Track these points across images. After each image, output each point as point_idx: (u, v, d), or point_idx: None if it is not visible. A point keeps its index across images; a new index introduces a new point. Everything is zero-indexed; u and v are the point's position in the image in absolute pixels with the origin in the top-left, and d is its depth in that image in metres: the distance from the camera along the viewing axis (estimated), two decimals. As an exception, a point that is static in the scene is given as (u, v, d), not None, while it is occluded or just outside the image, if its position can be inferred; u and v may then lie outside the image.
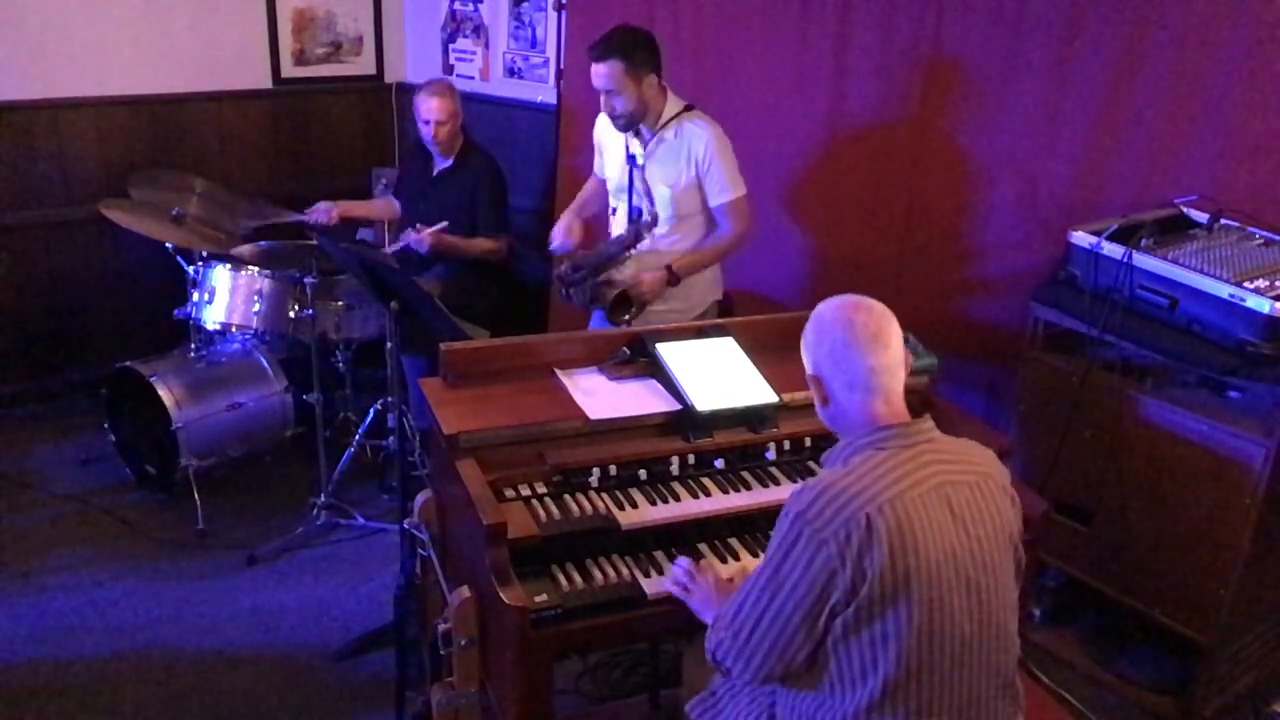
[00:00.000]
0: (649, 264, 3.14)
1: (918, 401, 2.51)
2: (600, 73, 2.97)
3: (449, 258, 3.85)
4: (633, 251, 3.11)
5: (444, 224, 3.73)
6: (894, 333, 1.75)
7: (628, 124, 3.06)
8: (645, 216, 3.09)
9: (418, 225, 3.75)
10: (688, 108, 3.12)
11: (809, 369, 1.81)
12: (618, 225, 3.28)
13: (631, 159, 3.13)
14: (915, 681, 1.62)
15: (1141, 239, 2.72)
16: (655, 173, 3.12)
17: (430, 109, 3.77)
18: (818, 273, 3.78)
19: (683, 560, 2.02)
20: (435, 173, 3.95)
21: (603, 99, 3.04)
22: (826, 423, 1.83)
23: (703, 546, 2.17)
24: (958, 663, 1.64)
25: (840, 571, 1.58)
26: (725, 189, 3.09)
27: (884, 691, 1.61)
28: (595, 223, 3.48)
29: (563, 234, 3.24)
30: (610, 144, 3.25)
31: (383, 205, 4.32)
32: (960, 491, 1.67)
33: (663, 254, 3.18)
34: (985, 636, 1.67)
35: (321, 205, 3.99)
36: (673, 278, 3.10)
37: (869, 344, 1.72)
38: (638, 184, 3.15)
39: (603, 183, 3.40)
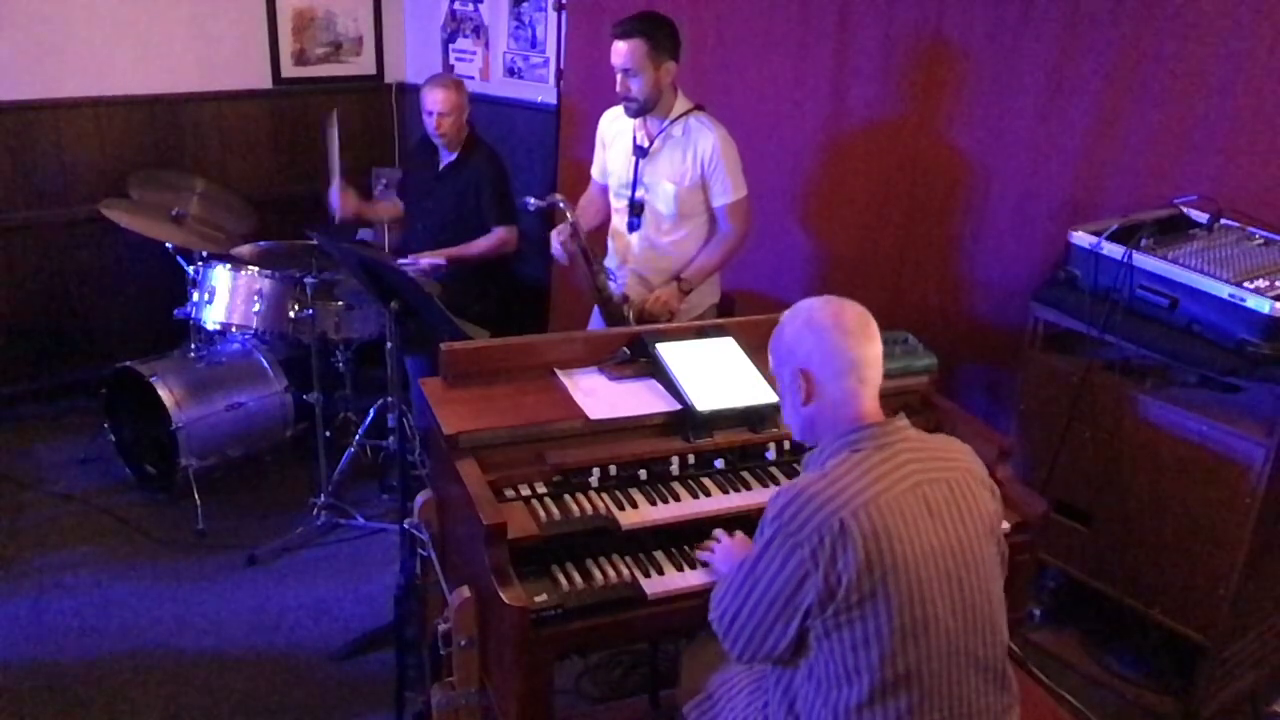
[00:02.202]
0: (653, 263, 3.19)
1: (918, 401, 2.51)
2: (621, 50, 2.97)
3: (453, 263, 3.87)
4: (625, 268, 3.19)
5: (443, 260, 3.76)
6: (875, 328, 1.78)
7: (640, 109, 3.06)
8: (559, 203, 3.07)
9: (414, 255, 3.77)
10: (697, 107, 3.12)
11: (794, 364, 1.78)
12: (618, 221, 3.28)
13: (638, 149, 3.13)
14: (905, 680, 1.63)
15: (1141, 239, 2.72)
16: (661, 169, 3.12)
17: (435, 100, 3.78)
18: (818, 273, 3.78)
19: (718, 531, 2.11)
20: (440, 167, 3.96)
21: (619, 79, 3.02)
22: (803, 425, 1.82)
23: (703, 546, 2.16)
24: (945, 658, 1.65)
25: (813, 574, 1.60)
26: (728, 190, 3.10)
27: (871, 693, 1.63)
28: (595, 234, 3.47)
29: (557, 243, 3.18)
30: (615, 139, 3.25)
31: (387, 208, 4.33)
32: (938, 489, 1.68)
33: (663, 255, 3.19)
34: (971, 630, 1.68)
35: (351, 200, 4.00)
36: (685, 285, 3.14)
37: (858, 335, 1.75)
38: (644, 176, 3.15)
39: (602, 190, 3.39)
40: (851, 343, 1.74)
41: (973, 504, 1.71)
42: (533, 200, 3.07)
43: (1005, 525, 1.84)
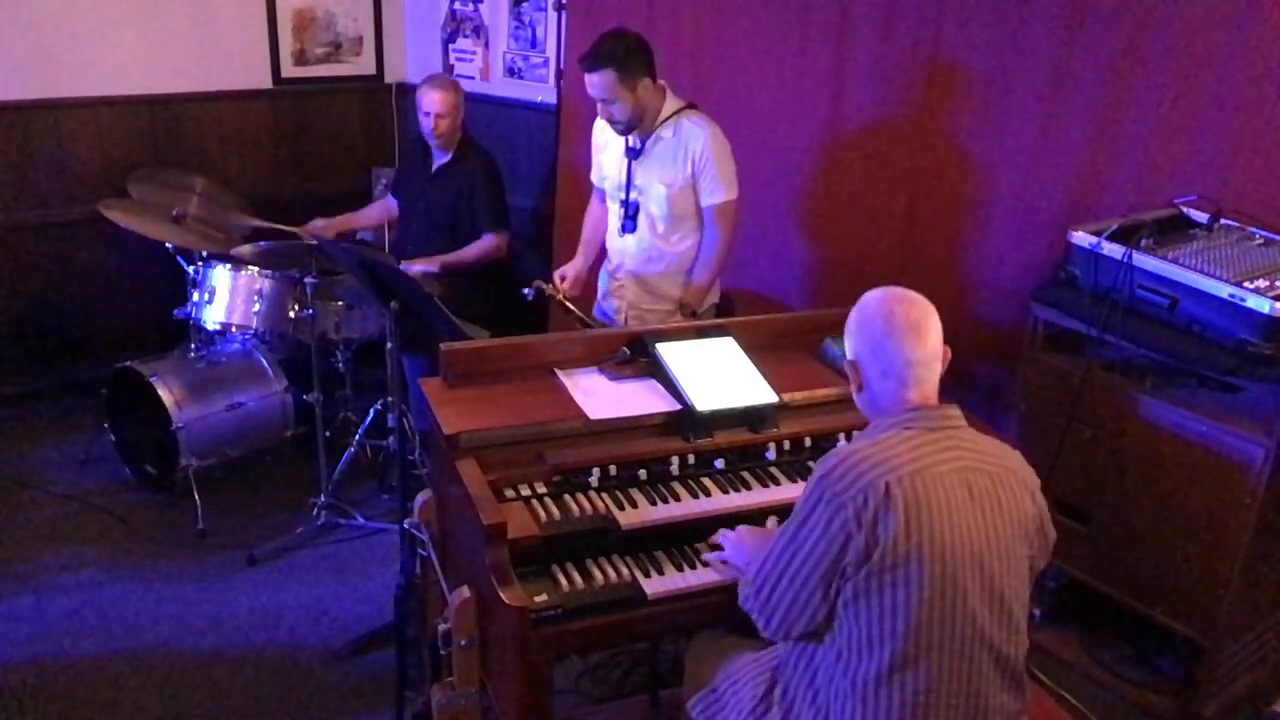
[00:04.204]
0: (649, 265, 3.21)
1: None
2: (594, 83, 2.96)
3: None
4: (622, 269, 3.24)
5: (435, 268, 3.77)
6: (933, 325, 1.79)
7: (627, 129, 3.06)
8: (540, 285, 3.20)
9: (406, 261, 3.77)
10: (689, 105, 3.11)
11: (848, 354, 1.85)
12: (614, 223, 3.28)
13: (631, 150, 3.13)
14: (924, 658, 1.64)
15: (1141, 239, 2.72)
16: (653, 171, 3.11)
17: (432, 101, 3.79)
18: (818, 273, 3.78)
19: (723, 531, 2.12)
20: (434, 169, 3.96)
21: (600, 107, 3.04)
22: (861, 407, 1.87)
23: (703, 546, 2.16)
24: (967, 643, 1.66)
25: (855, 535, 1.62)
26: (718, 190, 3.09)
27: (892, 664, 1.64)
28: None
29: (570, 281, 3.27)
30: (609, 143, 3.25)
31: (379, 211, 4.33)
32: (981, 479, 1.70)
33: (659, 257, 3.20)
34: (996, 622, 1.69)
35: (317, 224, 4.00)
36: (686, 310, 3.15)
37: (907, 336, 1.76)
38: (637, 178, 3.15)
39: (603, 198, 3.38)
40: (899, 343, 1.76)
41: (1013, 501, 1.73)
42: (526, 290, 3.19)
43: (1052, 534, 1.84)
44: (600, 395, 2.33)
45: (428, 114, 3.81)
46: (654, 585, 2.03)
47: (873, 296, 1.83)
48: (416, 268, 3.74)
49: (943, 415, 1.76)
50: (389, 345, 3.21)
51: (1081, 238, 2.79)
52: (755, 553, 1.93)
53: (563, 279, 3.25)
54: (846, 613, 1.66)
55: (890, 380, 1.77)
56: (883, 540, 1.61)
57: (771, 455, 2.34)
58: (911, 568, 1.62)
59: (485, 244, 3.88)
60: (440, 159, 3.95)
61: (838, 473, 1.66)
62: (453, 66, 4.95)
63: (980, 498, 1.69)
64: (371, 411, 3.97)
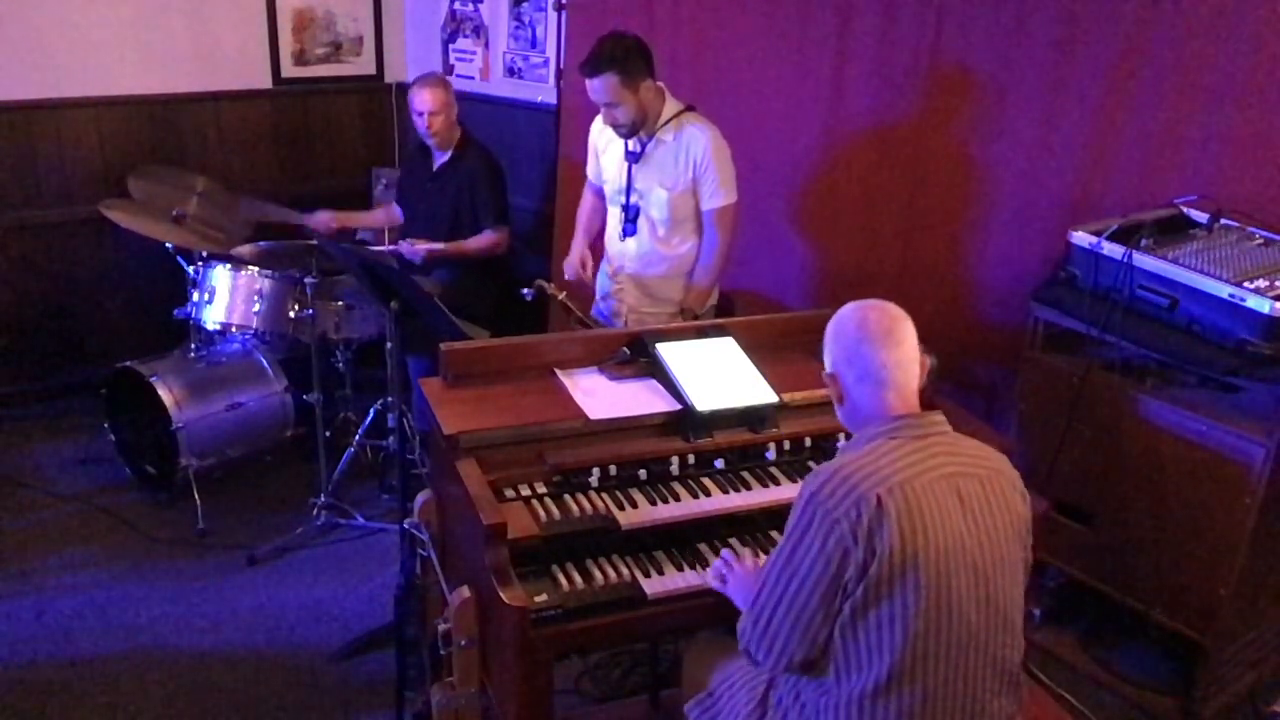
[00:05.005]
0: (650, 268, 3.20)
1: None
2: (596, 88, 2.96)
3: (448, 261, 3.88)
4: (623, 272, 3.22)
5: (440, 245, 3.79)
6: (907, 331, 1.79)
7: (631, 131, 3.06)
8: None
9: (410, 239, 3.79)
10: (688, 108, 3.11)
11: (826, 367, 1.85)
12: (614, 227, 3.29)
13: (631, 154, 3.13)
14: (920, 668, 1.63)
15: (1141, 239, 2.72)
16: (653, 174, 3.11)
17: (423, 100, 3.80)
18: (819, 273, 3.78)
19: (725, 552, 2.07)
20: (434, 168, 3.97)
21: (604, 111, 3.04)
22: (844, 422, 1.86)
23: (703, 546, 2.16)
24: (963, 650, 1.65)
25: (853, 550, 1.61)
26: (718, 193, 3.09)
27: (889, 676, 1.63)
28: (597, 239, 3.49)
29: (573, 268, 3.27)
30: (608, 146, 3.25)
31: (383, 215, 4.34)
32: (970, 484, 1.70)
33: (660, 260, 3.19)
34: (992, 628, 1.68)
35: (323, 215, 4.04)
36: (688, 315, 3.15)
37: (880, 339, 1.76)
38: (637, 181, 3.14)
39: (598, 192, 3.39)
40: (873, 347, 1.76)
41: (1004, 503, 1.73)
42: (526, 290, 3.14)
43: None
44: (600, 395, 2.33)
45: (420, 113, 3.82)
46: (654, 585, 2.03)
47: (846, 308, 1.84)
48: (422, 246, 3.75)
49: (928, 422, 1.75)
50: (389, 345, 3.22)
51: (1081, 238, 2.79)
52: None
53: (576, 277, 3.24)
54: (844, 634, 1.65)
55: (867, 384, 1.76)
56: (880, 552, 1.60)
57: (771, 455, 2.34)
58: (908, 578, 1.60)
59: (485, 239, 3.89)
60: (440, 158, 3.95)
61: (827, 490, 1.64)
62: (453, 66, 4.95)
63: (970, 503, 1.68)
64: (371, 411, 3.97)
